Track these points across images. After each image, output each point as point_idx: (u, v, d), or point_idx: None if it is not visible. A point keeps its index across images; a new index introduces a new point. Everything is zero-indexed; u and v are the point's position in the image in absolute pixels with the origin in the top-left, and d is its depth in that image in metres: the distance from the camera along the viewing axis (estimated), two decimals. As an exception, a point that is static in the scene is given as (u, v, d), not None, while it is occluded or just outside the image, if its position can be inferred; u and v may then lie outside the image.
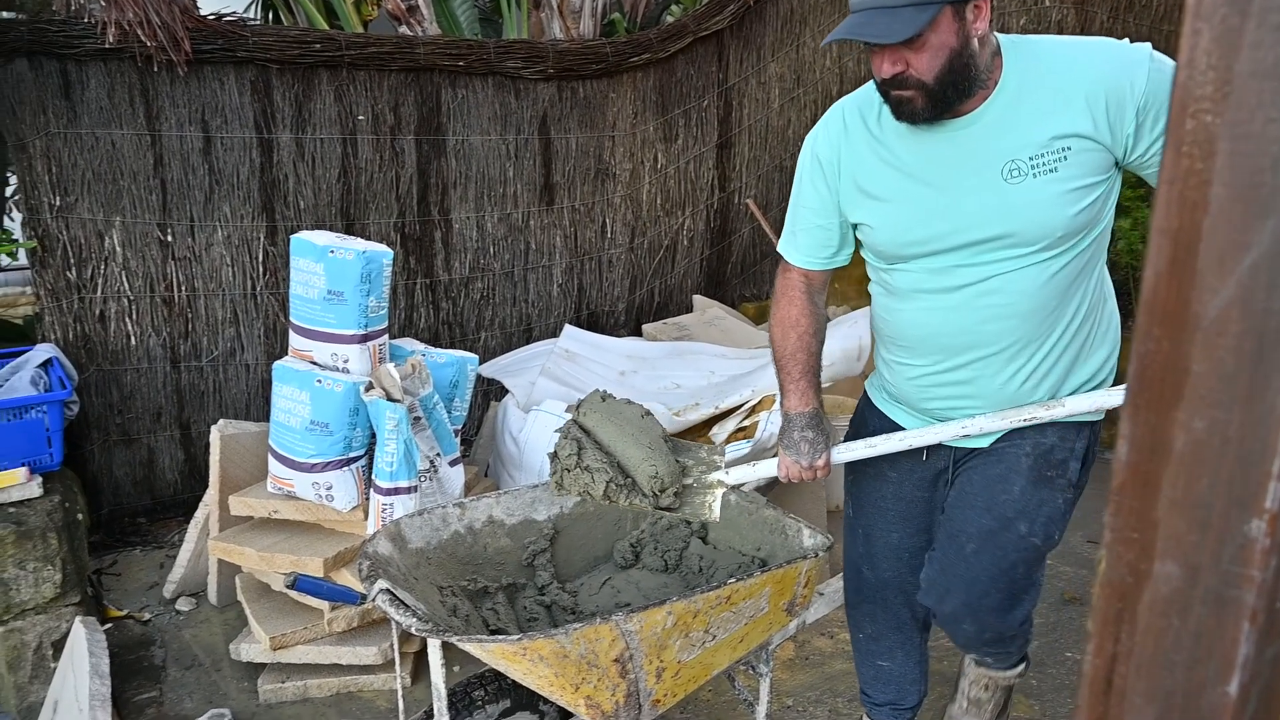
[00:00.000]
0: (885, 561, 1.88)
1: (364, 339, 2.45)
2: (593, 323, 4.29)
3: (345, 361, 2.45)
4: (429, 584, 1.80)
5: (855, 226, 1.68)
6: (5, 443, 2.59)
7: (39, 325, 3.18)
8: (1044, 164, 1.43)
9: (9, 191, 3.50)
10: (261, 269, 3.43)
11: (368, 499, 2.48)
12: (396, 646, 1.89)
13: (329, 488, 2.43)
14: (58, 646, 2.59)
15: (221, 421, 2.76)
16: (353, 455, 2.46)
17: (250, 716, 2.42)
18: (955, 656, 2.28)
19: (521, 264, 4.05)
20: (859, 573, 1.93)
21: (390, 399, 2.36)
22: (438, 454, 2.50)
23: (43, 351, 2.87)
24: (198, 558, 2.93)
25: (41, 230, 3.03)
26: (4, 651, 2.55)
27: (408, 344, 2.76)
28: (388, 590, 1.53)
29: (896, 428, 1.75)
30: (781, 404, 1.75)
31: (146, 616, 2.88)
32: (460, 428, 2.75)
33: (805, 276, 1.74)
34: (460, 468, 2.58)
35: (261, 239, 3.40)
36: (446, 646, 1.67)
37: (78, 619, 2.50)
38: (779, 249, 1.80)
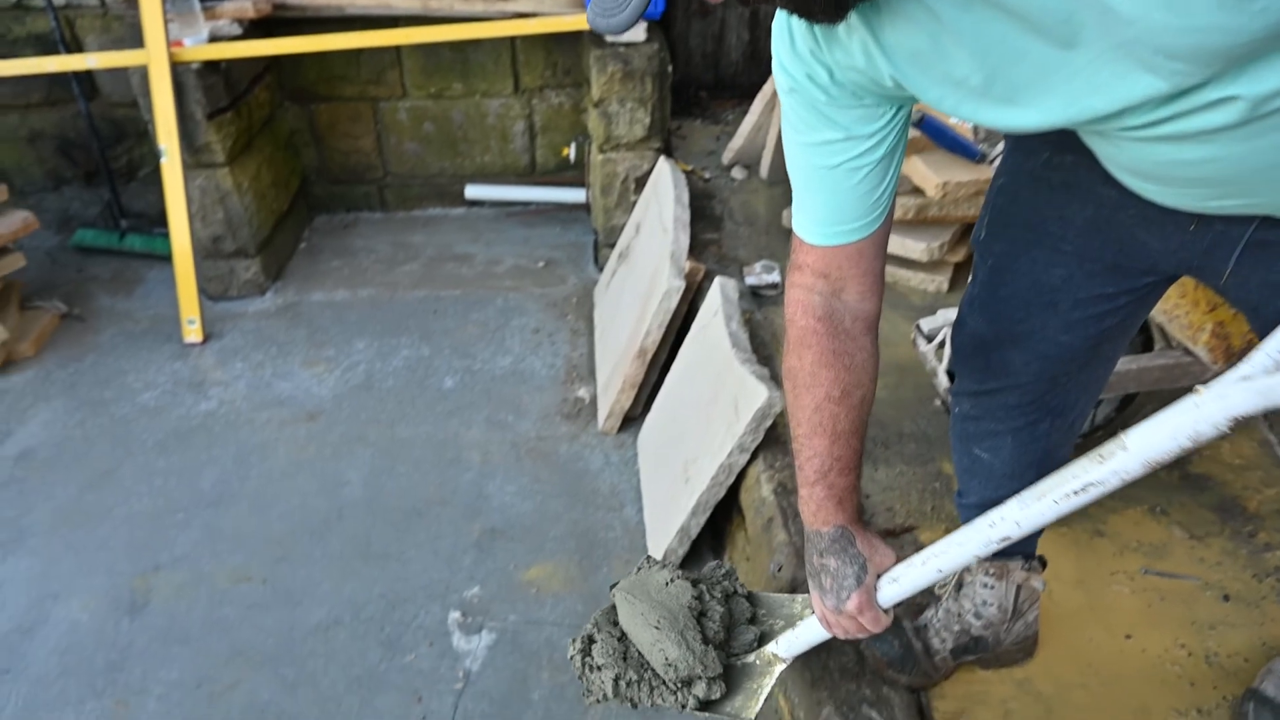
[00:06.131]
0: (1017, 311, 1.13)
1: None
2: None
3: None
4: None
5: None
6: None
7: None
8: None
9: None
10: None
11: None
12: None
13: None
14: (639, 182, 2.96)
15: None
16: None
17: (792, 279, 2.61)
18: None
19: None
20: (962, 322, 1.23)
21: None
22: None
23: (656, -101, 2.94)
24: (756, 131, 3.07)
25: None
26: (600, 177, 2.98)
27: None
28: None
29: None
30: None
31: (707, 175, 3.16)
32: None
33: (824, 277, 0.99)
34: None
35: None
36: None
37: (662, 158, 2.80)
38: (793, 223, 1.02)
